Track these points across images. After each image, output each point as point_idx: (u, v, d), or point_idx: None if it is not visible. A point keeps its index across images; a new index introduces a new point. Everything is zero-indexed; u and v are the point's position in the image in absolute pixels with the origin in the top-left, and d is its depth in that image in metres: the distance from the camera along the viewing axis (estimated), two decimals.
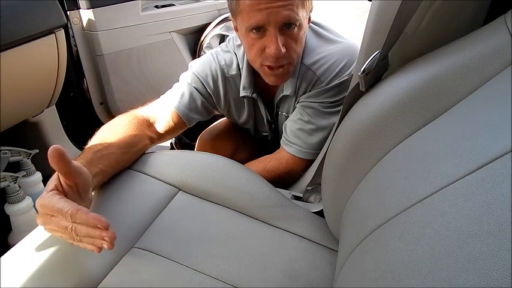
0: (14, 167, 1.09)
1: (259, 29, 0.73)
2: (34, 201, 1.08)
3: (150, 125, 0.84)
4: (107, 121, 0.79)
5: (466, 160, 0.32)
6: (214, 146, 1.12)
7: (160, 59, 1.48)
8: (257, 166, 0.88)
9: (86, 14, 1.25)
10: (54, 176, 0.54)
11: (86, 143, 0.71)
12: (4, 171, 1.03)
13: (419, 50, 0.53)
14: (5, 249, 0.58)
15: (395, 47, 0.53)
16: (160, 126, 0.85)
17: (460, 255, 0.26)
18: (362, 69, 0.52)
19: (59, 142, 1.28)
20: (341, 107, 0.62)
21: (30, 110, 1.12)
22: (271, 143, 1.04)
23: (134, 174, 0.73)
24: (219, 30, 1.54)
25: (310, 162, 0.86)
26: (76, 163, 0.55)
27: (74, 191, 0.54)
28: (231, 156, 0.84)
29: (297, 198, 0.79)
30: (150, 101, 0.88)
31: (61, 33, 1.01)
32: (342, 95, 0.82)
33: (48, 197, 0.51)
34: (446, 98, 0.42)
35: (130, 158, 0.75)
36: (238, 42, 0.88)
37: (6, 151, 1.04)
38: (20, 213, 1.06)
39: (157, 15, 1.43)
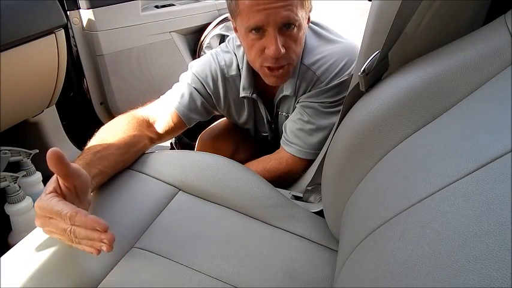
0: (14, 167, 1.09)
1: (259, 30, 0.73)
2: (34, 201, 1.07)
3: (149, 125, 0.84)
4: (107, 121, 0.79)
5: (466, 160, 0.32)
6: (214, 146, 1.12)
7: (160, 59, 1.48)
8: (257, 166, 0.88)
9: (86, 14, 1.25)
10: (53, 178, 0.54)
11: (85, 143, 0.71)
12: (4, 171, 1.03)
13: (419, 50, 0.53)
14: (5, 249, 0.58)
15: (395, 47, 0.53)
16: (160, 127, 0.85)
17: (460, 255, 0.26)
18: (362, 69, 0.52)
19: (59, 142, 1.28)
20: (341, 107, 0.62)
21: (30, 110, 1.11)
22: (271, 143, 1.04)
23: (134, 174, 0.73)
24: (219, 30, 1.54)
25: (310, 162, 0.86)
26: (75, 165, 0.55)
27: (73, 193, 0.54)
28: (231, 156, 0.84)
29: (297, 198, 0.79)
30: (150, 101, 0.88)
31: (61, 33, 1.01)
32: (341, 95, 0.82)
33: (47, 199, 0.51)
34: (446, 98, 0.42)
35: (130, 158, 0.75)
36: (238, 42, 0.88)
37: (6, 151, 1.04)
38: (20, 213, 1.06)
39: (157, 15, 1.42)
